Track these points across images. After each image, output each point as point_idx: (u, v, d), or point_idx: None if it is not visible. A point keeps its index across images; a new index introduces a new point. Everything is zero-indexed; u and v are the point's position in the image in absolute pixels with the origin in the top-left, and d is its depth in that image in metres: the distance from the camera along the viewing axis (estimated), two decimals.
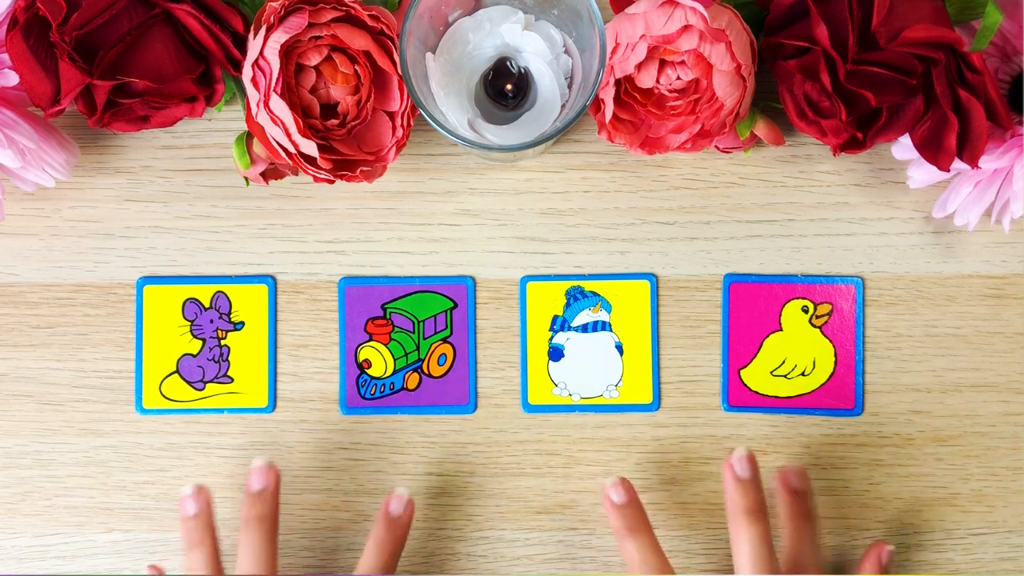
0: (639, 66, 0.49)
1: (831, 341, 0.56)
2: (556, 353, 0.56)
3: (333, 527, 0.56)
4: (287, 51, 0.47)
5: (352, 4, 0.47)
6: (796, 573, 0.52)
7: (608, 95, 0.49)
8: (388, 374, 0.56)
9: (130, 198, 0.56)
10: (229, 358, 0.56)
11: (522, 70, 0.50)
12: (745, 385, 0.56)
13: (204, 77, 0.50)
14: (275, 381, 0.56)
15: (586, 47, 0.47)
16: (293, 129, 0.47)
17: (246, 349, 0.56)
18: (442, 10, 0.48)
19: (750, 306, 0.56)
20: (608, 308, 0.56)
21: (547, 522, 0.56)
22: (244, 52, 0.48)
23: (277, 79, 0.46)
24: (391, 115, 0.50)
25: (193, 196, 0.56)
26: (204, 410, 0.56)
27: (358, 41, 0.48)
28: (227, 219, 0.56)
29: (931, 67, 0.47)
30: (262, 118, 0.47)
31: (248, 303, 0.56)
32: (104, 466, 0.56)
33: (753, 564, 0.51)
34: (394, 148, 0.50)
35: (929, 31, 0.45)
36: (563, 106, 0.49)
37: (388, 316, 0.56)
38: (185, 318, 0.56)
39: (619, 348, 0.56)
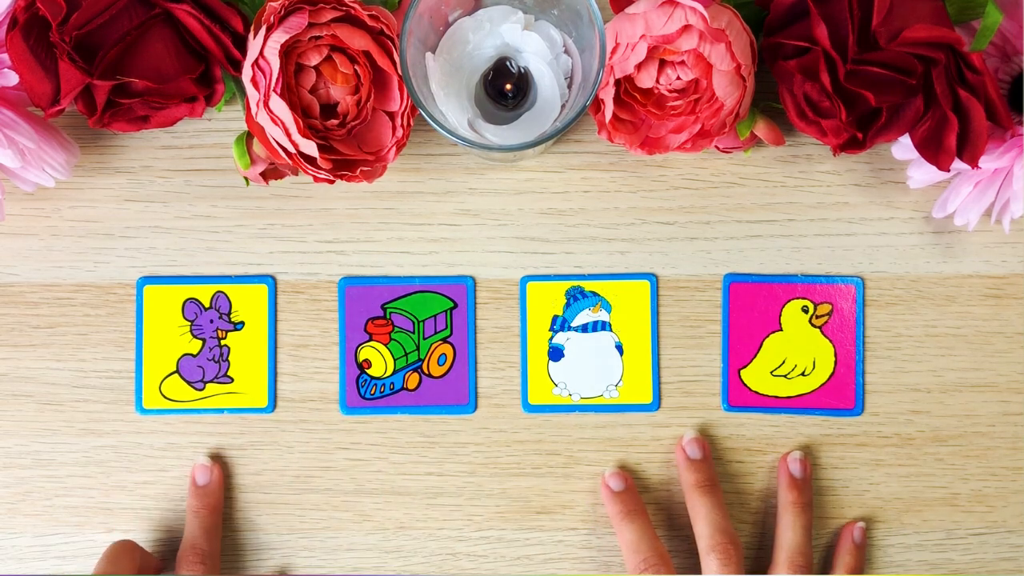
0: (639, 66, 0.49)
1: (831, 341, 0.56)
2: (556, 353, 0.56)
3: (333, 527, 0.56)
4: (287, 51, 0.47)
5: (352, 4, 0.47)
6: (789, 562, 0.53)
7: (608, 95, 0.49)
8: (388, 374, 0.56)
9: (130, 198, 0.56)
10: (229, 358, 0.56)
11: (522, 70, 0.50)
12: (745, 385, 0.56)
13: (204, 77, 0.50)
14: (275, 381, 0.56)
15: (586, 47, 0.47)
16: (293, 129, 0.47)
17: (246, 349, 0.56)
18: (442, 10, 0.48)
19: (750, 306, 0.56)
20: (608, 308, 0.56)
21: (547, 522, 0.56)
22: (244, 52, 0.48)
23: (277, 79, 0.46)
24: (391, 115, 0.50)
25: (193, 196, 0.56)
26: (204, 410, 0.56)
27: (358, 41, 0.48)
28: (227, 219, 0.56)
29: (931, 67, 0.47)
30: (262, 118, 0.47)
31: (248, 303, 0.56)
32: (104, 466, 0.56)
33: (711, 531, 0.53)
34: (394, 148, 0.50)
35: (929, 31, 0.45)
36: (563, 106, 0.49)
37: (388, 316, 0.56)
38: (185, 318, 0.56)
39: (619, 348, 0.56)
